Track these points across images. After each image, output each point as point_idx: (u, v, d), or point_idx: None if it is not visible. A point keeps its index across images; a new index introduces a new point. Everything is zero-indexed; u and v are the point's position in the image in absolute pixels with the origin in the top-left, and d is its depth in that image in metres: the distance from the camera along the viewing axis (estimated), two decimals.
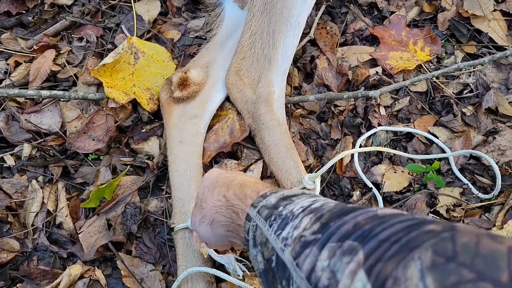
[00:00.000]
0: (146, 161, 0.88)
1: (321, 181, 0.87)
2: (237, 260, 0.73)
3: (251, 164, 0.87)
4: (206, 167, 0.87)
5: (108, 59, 0.88)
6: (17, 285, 0.76)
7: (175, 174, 0.83)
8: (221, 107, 0.91)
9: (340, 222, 0.39)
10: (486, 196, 0.85)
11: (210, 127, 0.89)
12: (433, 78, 0.96)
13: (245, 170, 0.87)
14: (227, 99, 0.91)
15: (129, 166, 0.88)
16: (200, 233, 0.61)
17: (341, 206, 0.42)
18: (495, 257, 0.28)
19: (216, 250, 0.73)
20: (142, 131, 0.90)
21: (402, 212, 0.38)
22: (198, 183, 0.81)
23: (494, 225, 0.81)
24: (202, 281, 0.74)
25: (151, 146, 0.89)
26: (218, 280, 0.77)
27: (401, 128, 0.93)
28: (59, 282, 0.75)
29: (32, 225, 0.82)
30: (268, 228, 0.45)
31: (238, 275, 0.72)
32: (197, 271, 0.73)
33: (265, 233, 0.45)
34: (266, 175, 0.87)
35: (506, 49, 1.00)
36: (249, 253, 0.50)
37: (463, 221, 0.82)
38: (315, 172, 0.83)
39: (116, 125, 0.90)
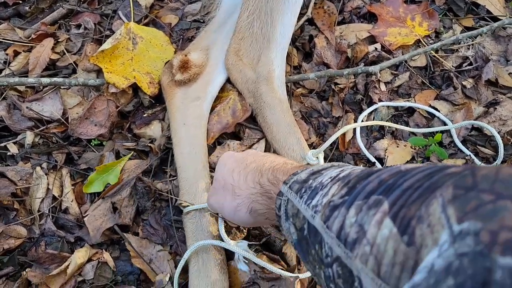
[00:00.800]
0: (149, 144, 0.88)
1: (324, 158, 0.87)
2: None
3: (253, 144, 0.88)
4: (210, 149, 0.87)
5: (106, 45, 0.88)
6: (26, 270, 0.76)
7: (181, 156, 0.83)
8: (222, 89, 0.91)
9: (365, 182, 0.40)
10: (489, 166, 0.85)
11: (212, 109, 0.89)
12: (432, 51, 0.96)
13: None
14: (228, 80, 0.91)
15: (132, 151, 0.88)
16: (234, 220, 0.62)
17: (367, 170, 0.43)
18: None
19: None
20: (144, 115, 0.90)
21: (424, 164, 0.38)
22: (204, 164, 0.81)
23: None
24: (212, 259, 0.74)
25: (154, 130, 0.89)
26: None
27: (402, 103, 0.94)
28: (68, 265, 0.75)
29: (38, 211, 0.82)
30: (299, 199, 0.46)
31: (245, 262, 0.73)
32: (208, 244, 0.73)
33: (296, 204, 0.46)
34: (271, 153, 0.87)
35: None
36: (282, 228, 0.51)
37: None
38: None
39: (117, 110, 0.90)
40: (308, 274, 0.74)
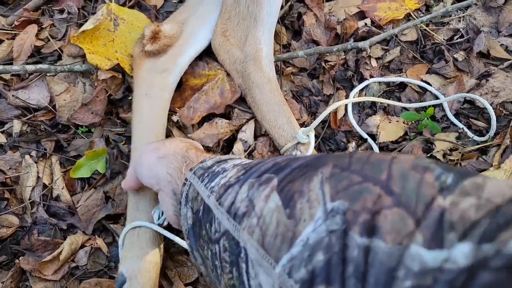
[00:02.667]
0: None
1: (317, 137, 0.87)
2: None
3: (242, 125, 0.87)
4: (197, 128, 0.86)
5: (88, 25, 0.86)
6: (19, 258, 0.76)
7: (138, 126, 0.81)
8: (209, 67, 0.90)
9: (261, 164, 0.42)
10: (482, 139, 0.84)
11: (200, 87, 0.88)
12: (422, 24, 0.95)
13: (237, 131, 0.86)
14: (215, 59, 0.90)
15: (125, 139, 0.87)
16: (140, 161, 0.63)
17: (267, 158, 0.47)
18: (380, 163, 0.31)
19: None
20: (129, 98, 0.89)
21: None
22: (158, 137, 0.81)
23: (491, 166, 0.81)
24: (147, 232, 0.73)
25: None
26: None
27: (393, 78, 0.92)
28: (60, 251, 0.75)
29: (29, 199, 0.81)
30: (200, 183, 0.48)
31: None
32: (143, 225, 0.73)
33: (197, 188, 0.48)
34: (261, 133, 0.86)
35: None
36: (180, 216, 0.52)
37: (460, 164, 0.82)
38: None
39: (108, 96, 0.88)
40: None
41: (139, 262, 0.70)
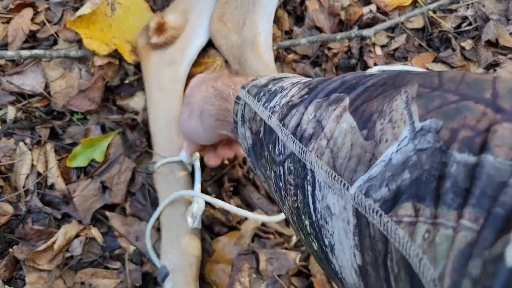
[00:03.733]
0: (135, 116, 0.85)
1: None
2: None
3: None
4: None
5: (85, 9, 0.83)
6: (13, 247, 0.74)
7: (155, 121, 0.80)
8: (207, 55, 0.87)
9: (327, 82, 0.38)
10: None
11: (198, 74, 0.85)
12: (430, 12, 0.92)
13: None
14: (213, 46, 0.87)
15: (119, 128, 0.85)
16: (188, 130, 0.61)
17: (331, 76, 0.41)
18: (480, 82, 0.27)
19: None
20: (126, 82, 0.87)
21: None
22: (178, 129, 0.79)
23: None
24: (184, 227, 0.74)
25: (137, 101, 0.86)
26: None
27: (398, 66, 0.90)
28: (55, 241, 0.73)
29: (24, 187, 0.80)
30: (256, 102, 0.44)
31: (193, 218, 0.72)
32: (183, 195, 0.74)
33: (254, 107, 0.45)
34: None
35: None
36: (237, 135, 0.49)
37: None
38: None
39: (105, 83, 0.86)
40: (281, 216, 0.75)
41: (181, 256, 0.71)
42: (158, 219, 0.75)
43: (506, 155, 0.22)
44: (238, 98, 0.48)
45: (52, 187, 0.81)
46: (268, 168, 0.42)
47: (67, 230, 0.76)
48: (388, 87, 0.31)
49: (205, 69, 0.86)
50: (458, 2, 0.95)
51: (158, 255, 0.74)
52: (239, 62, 0.83)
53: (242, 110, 0.47)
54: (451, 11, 0.95)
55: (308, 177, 0.34)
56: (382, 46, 0.93)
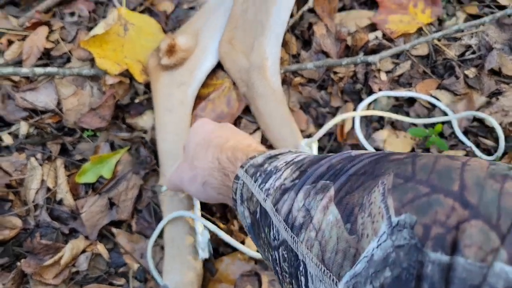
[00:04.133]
0: (143, 135, 0.87)
1: (322, 149, 0.86)
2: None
3: (250, 134, 0.86)
4: None
5: (98, 30, 0.86)
6: (21, 261, 0.76)
7: (163, 142, 0.82)
8: (216, 77, 0.89)
9: (316, 166, 0.40)
10: (490, 158, 0.83)
11: (206, 96, 0.87)
12: (434, 40, 0.94)
13: None
14: (222, 67, 0.89)
15: (129, 145, 0.87)
16: (190, 191, 0.63)
17: (321, 155, 0.43)
18: (449, 171, 0.29)
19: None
20: (136, 101, 0.89)
21: (374, 151, 0.39)
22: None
23: None
24: (188, 246, 0.75)
25: (146, 120, 0.88)
26: None
27: (402, 92, 0.91)
28: (62, 256, 0.75)
29: (33, 202, 0.81)
30: (253, 183, 0.46)
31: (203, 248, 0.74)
32: (182, 215, 0.76)
33: (251, 188, 0.47)
34: (266, 144, 0.86)
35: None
36: (237, 213, 0.51)
37: None
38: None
39: (115, 102, 0.89)
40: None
41: (182, 275, 0.72)
42: (162, 237, 0.77)
43: (475, 255, 0.24)
44: (237, 177, 0.50)
45: (60, 202, 0.83)
46: (266, 251, 0.43)
47: (74, 245, 0.77)
48: (367, 177, 0.33)
49: (213, 91, 0.88)
50: (463, 31, 0.97)
51: (162, 273, 0.75)
52: (247, 86, 0.85)
53: (241, 189, 0.49)
54: (455, 39, 0.97)
55: (301, 268, 0.35)
56: (387, 72, 0.95)
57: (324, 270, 0.32)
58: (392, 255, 0.27)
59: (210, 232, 0.76)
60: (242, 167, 0.50)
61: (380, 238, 0.28)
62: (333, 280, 0.31)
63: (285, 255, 0.38)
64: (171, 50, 0.85)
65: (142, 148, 0.86)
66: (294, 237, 0.36)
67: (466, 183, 0.27)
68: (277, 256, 0.40)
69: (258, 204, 0.45)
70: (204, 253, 0.73)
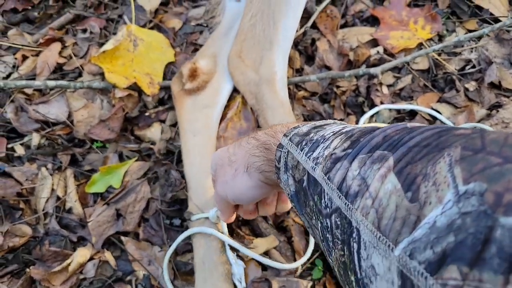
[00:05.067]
0: (151, 146, 0.90)
1: None
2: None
3: None
4: None
5: (108, 46, 0.90)
6: (30, 268, 0.77)
7: (191, 167, 0.83)
8: (229, 97, 0.92)
9: (369, 136, 0.39)
10: None
11: (224, 116, 0.90)
12: (434, 54, 0.96)
13: None
14: (234, 89, 0.92)
15: (137, 156, 0.89)
16: (235, 191, 0.57)
17: (371, 126, 0.42)
18: None
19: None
20: (146, 114, 0.92)
21: (431, 125, 0.38)
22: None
23: None
24: (219, 269, 0.75)
25: (154, 132, 0.91)
26: None
27: (404, 105, 0.94)
28: (70, 263, 0.76)
29: (43, 210, 0.84)
30: (299, 151, 0.45)
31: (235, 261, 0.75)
32: (202, 231, 0.76)
33: (296, 156, 0.45)
34: None
35: None
36: (280, 181, 0.49)
37: None
38: None
39: (124, 114, 0.92)
40: (300, 262, 0.76)
41: None
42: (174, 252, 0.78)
43: None
44: (280, 145, 0.49)
45: (69, 211, 0.85)
46: (314, 218, 0.42)
47: (82, 253, 0.79)
48: (432, 149, 0.32)
49: (229, 110, 0.90)
50: (463, 46, 0.99)
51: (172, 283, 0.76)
52: (256, 98, 0.87)
53: (285, 158, 0.47)
54: (455, 54, 1.00)
55: (354, 235, 0.35)
56: (389, 86, 0.97)
57: (379, 237, 0.32)
58: (457, 221, 0.26)
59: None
60: (286, 135, 0.49)
61: (445, 205, 0.27)
62: (389, 246, 0.30)
63: (338, 222, 0.37)
64: (193, 74, 0.88)
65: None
66: (348, 205, 0.36)
67: None
68: (328, 223, 0.39)
69: (305, 172, 0.43)
70: (242, 284, 0.73)
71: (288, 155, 0.47)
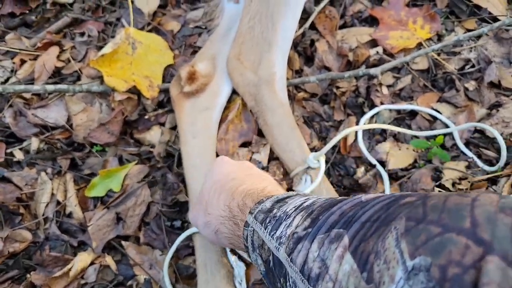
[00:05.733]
0: (151, 149, 0.89)
1: (326, 162, 0.87)
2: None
3: (259, 148, 0.88)
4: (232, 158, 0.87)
5: (106, 49, 0.89)
6: (31, 273, 0.77)
7: (191, 169, 0.83)
8: (229, 100, 0.92)
9: (327, 214, 0.40)
10: (492, 169, 0.84)
11: (224, 119, 0.90)
12: (434, 53, 0.96)
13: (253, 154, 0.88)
14: (234, 91, 0.92)
15: (137, 159, 0.89)
16: (204, 235, 0.63)
17: (330, 200, 0.43)
18: (459, 209, 0.29)
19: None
20: (145, 117, 0.91)
21: (385, 194, 0.39)
22: None
23: None
24: (220, 271, 0.75)
25: (153, 135, 0.91)
26: None
27: (404, 105, 0.93)
28: (70, 268, 0.76)
29: (43, 215, 0.83)
30: (263, 230, 0.46)
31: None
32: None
33: (261, 235, 0.46)
34: (273, 157, 0.87)
35: None
36: (251, 259, 0.51)
37: None
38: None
39: (124, 118, 0.91)
40: None
41: None
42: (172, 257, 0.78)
43: None
44: (246, 224, 0.50)
45: (70, 215, 0.84)
46: None
47: (83, 257, 0.78)
48: (380, 223, 0.34)
49: (229, 112, 0.90)
50: (462, 45, 0.99)
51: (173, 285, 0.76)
52: (255, 99, 0.87)
53: (252, 237, 0.49)
54: (455, 53, 1.00)
55: None
56: (388, 86, 0.97)
57: None
58: None
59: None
60: (251, 213, 0.50)
61: (397, 284, 0.28)
62: None
63: None
64: (191, 77, 0.88)
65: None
66: None
67: (478, 219, 0.27)
68: None
69: (270, 252, 0.45)
70: (243, 286, 0.73)
71: (254, 234, 0.48)
